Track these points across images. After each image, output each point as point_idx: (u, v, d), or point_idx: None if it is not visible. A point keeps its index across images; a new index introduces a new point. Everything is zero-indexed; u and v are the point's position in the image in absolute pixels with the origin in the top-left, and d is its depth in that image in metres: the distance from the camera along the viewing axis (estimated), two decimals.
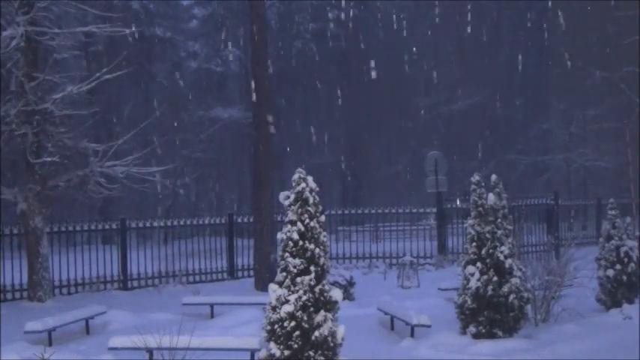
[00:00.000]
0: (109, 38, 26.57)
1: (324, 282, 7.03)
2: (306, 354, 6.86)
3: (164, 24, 40.01)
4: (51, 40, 16.40)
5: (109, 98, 31.92)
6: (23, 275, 16.59)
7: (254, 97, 18.34)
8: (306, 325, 6.85)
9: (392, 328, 12.43)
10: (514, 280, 10.98)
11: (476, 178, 11.37)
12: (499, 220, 11.16)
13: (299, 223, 6.97)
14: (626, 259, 13.17)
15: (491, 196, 11.21)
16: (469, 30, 41.36)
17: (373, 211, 23.85)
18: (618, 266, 13.13)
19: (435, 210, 22.84)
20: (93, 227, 18.36)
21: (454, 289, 12.40)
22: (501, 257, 10.96)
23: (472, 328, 11.02)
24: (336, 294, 7.10)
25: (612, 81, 31.01)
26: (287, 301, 6.89)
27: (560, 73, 37.55)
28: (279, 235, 7.10)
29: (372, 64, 40.30)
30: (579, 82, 35.14)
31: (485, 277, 10.93)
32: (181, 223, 20.06)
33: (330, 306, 7.01)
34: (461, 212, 22.09)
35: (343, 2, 40.62)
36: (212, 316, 14.01)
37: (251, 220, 19.26)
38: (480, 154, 38.61)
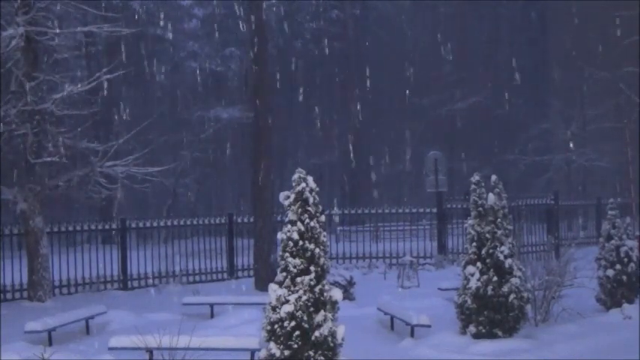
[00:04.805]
0: (109, 38, 26.57)
1: (324, 282, 7.03)
2: (306, 354, 6.86)
3: (164, 24, 39.95)
4: (51, 40, 16.40)
5: (109, 98, 31.91)
6: (23, 275, 16.58)
7: (254, 98, 18.34)
8: (306, 325, 6.85)
9: (392, 328, 12.44)
10: (514, 280, 10.98)
11: (476, 178, 11.37)
12: (499, 220, 11.16)
13: (299, 223, 6.98)
14: (626, 259, 13.17)
15: (492, 196, 11.21)
16: (469, 30, 41.36)
17: (373, 211, 23.83)
18: (618, 266, 13.13)
19: (435, 210, 22.83)
20: (93, 227, 18.35)
21: (454, 289, 12.40)
22: (501, 257, 10.96)
23: (472, 328, 11.02)
24: (336, 294, 7.10)
25: (612, 81, 31.00)
26: (287, 301, 6.90)
27: (560, 73, 37.55)
28: (279, 235, 7.11)
29: (373, 64, 40.31)
30: (579, 82, 35.15)
31: (485, 277, 10.94)
32: (181, 223, 20.04)
33: (330, 306, 7.02)
34: (461, 212, 22.09)
35: (343, 2, 40.63)
36: (212, 316, 14.01)
37: (251, 220, 19.25)
38: (480, 154, 38.60)
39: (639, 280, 13.33)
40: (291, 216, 7.03)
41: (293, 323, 6.85)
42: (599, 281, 13.35)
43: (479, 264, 11.02)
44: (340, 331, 7.04)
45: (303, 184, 7.05)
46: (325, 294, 7.00)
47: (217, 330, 11.97)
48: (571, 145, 35.01)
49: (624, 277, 13.14)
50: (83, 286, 17.59)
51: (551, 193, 24.75)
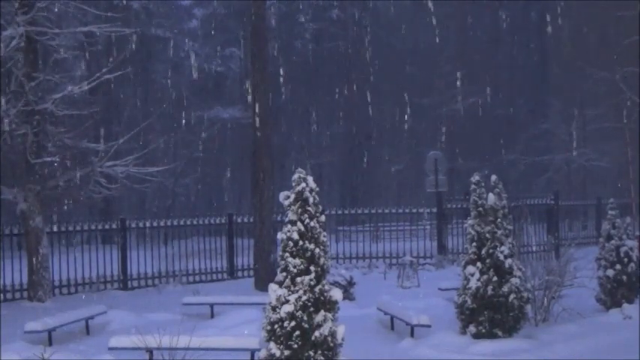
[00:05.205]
0: (109, 38, 26.60)
1: (324, 282, 7.03)
2: (306, 354, 6.86)
3: (164, 24, 39.99)
4: (51, 40, 16.40)
5: (109, 98, 31.93)
6: (23, 275, 16.58)
7: (254, 98, 18.34)
8: (306, 325, 6.85)
9: (392, 328, 12.44)
10: (514, 280, 10.98)
11: (476, 178, 11.37)
12: (499, 220, 11.16)
13: (299, 223, 6.98)
14: (626, 259, 13.17)
15: (492, 196, 11.21)
16: (469, 30, 41.36)
17: (373, 211, 23.84)
18: (618, 266, 13.12)
19: (435, 210, 22.84)
20: (93, 227, 18.35)
21: (454, 289, 12.41)
22: (501, 257, 10.96)
23: (472, 328, 11.02)
24: (336, 294, 7.11)
25: (612, 81, 30.99)
26: (287, 301, 6.90)
27: (560, 73, 37.55)
28: (279, 235, 7.11)
29: (372, 64, 40.33)
30: (579, 82, 35.14)
31: (485, 277, 10.93)
32: (181, 223, 20.04)
33: (330, 306, 7.02)
34: (461, 212, 22.09)
35: (343, 2, 40.65)
36: (212, 316, 14.01)
37: (251, 220, 19.25)
38: (480, 154, 38.63)
39: (639, 280, 13.33)
40: (291, 216, 7.04)
41: (293, 323, 6.85)
42: (599, 281, 13.35)
43: (479, 264, 11.02)
44: (340, 331, 7.04)
45: (303, 184, 7.06)
46: (325, 294, 7.00)
47: (217, 330, 11.98)
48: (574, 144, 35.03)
49: (624, 277, 13.14)
50: (83, 286, 17.59)
51: (551, 193, 24.76)
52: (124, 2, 34.22)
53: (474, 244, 11.13)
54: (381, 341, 11.53)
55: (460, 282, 11.44)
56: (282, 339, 6.89)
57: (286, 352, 6.87)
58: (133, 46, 32.08)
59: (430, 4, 42.49)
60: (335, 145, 42.22)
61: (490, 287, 10.87)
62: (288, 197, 7.08)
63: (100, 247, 18.45)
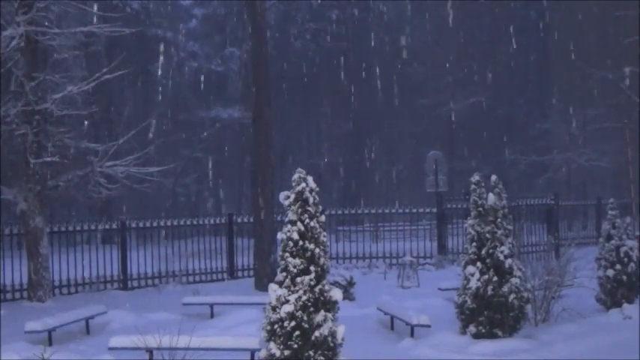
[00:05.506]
0: (109, 38, 26.59)
1: (324, 282, 7.03)
2: (306, 354, 6.86)
3: (164, 24, 39.98)
4: (51, 40, 16.40)
5: (109, 98, 31.92)
6: (23, 275, 16.57)
7: (254, 97, 18.35)
8: (306, 325, 6.85)
9: (392, 328, 12.44)
10: (514, 280, 10.99)
11: (476, 178, 11.38)
12: (499, 220, 11.16)
13: (299, 223, 6.98)
14: (626, 259, 13.17)
15: (492, 196, 11.22)
16: (469, 30, 41.37)
17: (373, 211, 23.81)
18: (618, 266, 13.13)
19: (435, 210, 22.83)
20: (93, 227, 18.35)
21: (454, 289, 12.41)
22: (501, 257, 10.96)
23: (472, 328, 11.02)
24: (336, 294, 7.11)
25: (612, 81, 31.00)
26: (287, 301, 6.90)
27: (560, 73, 37.55)
28: (279, 235, 7.11)
29: (372, 64, 40.32)
30: (579, 82, 35.14)
31: (485, 277, 10.94)
32: (181, 223, 20.04)
33: (330, 306, 7.02)
34: (461, 212, 22.09)
35: (343, 2, 40.64)
36: (212, 316, 14.01)
37: (251, 220, 19.25)
38: (480, 154, 38.63)
39: (639, 280, 13.33)
40: (291, 216, 7.04)
41: (293, 323, 6.85)
42: (599, 281, 13.35)
43: (479, 264, 11.03)
44: (340, 331, 7.04)
45: (303, 184, 7.06)
46: (325, 294, 7.00)
47: (217, 330, 11.98)
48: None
49: (624, 277, 13.14)
50: (83, 286, 17.59)
51: (551, 193, 24.76)
52: (123, 2, 34.18)
53: (474, 244, 11.14)
54: (381, 341, 11.53)
55: (460, 282, 11.45)
56: (282, 339, 6.89)
57: (286, 352, 6.87)
58: (133, 46, 32.05)
59: (431, 4, 42.48)
60: (335, 145, 42.21)
61: (490, 287, 10.88)
62: (288, 197, 7.08)
63: (100, 247, 18.44)
